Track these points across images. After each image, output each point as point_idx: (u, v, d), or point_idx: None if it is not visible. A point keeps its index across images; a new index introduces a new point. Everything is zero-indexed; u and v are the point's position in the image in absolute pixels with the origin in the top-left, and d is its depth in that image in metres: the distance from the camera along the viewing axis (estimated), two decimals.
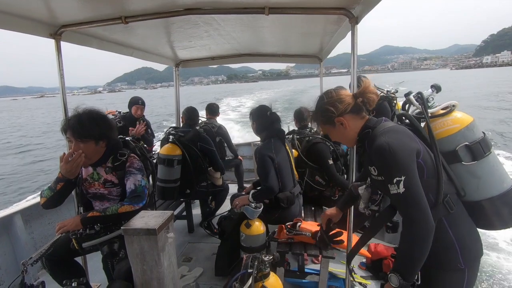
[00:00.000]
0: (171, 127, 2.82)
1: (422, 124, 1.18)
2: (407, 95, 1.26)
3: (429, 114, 1.16)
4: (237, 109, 23.16)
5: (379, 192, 1.34)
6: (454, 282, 1.07)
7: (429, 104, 1.19)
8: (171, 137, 2.63)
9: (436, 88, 1.24)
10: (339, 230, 1.58)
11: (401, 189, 0.97)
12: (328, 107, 1.16)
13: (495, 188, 1.07)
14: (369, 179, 1.33)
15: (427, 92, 1.22)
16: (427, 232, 0.96)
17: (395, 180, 0.98)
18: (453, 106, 1.16)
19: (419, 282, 1.07)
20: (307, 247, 1.88)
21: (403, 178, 0.96)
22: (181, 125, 3.12)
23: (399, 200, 0.99)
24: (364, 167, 1.27)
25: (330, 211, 1.51)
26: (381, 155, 1.02)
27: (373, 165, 1.12)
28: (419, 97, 1.19)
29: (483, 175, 1.08)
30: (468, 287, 1.07)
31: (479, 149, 1.08)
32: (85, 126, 1.49)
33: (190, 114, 2.94)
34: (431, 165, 1.05)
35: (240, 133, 11.81)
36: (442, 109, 1.18)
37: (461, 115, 1.14)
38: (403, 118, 1.21)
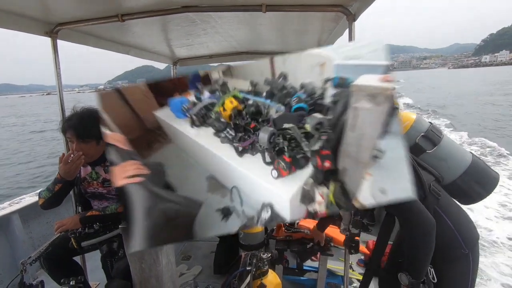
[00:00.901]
0: None
1: None
2: None
3: None
4: None
5: (358, 214, 1.42)
6: (461, 268, 1.12)
7: None
8: None
9: None
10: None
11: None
12: None
13: (462, 164, 1.19)
14: None
15: None
16: (429, 229, 1.02)
17: None
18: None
19: (435, 281, 1.11)
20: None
21: None
22: None
23: (394, 210, 1.07)
24: None
25: (316, 236, 1.83)
26: None
27: None
28: None
29: (446, 156, 1.20)
30: (474, 271, 1.12)
31: (433, 134, 1.22)
32: (87, 127, 1.47)
33: None
34: None
35: None
36: None
37: (406, 114, 1.30)
38: None
